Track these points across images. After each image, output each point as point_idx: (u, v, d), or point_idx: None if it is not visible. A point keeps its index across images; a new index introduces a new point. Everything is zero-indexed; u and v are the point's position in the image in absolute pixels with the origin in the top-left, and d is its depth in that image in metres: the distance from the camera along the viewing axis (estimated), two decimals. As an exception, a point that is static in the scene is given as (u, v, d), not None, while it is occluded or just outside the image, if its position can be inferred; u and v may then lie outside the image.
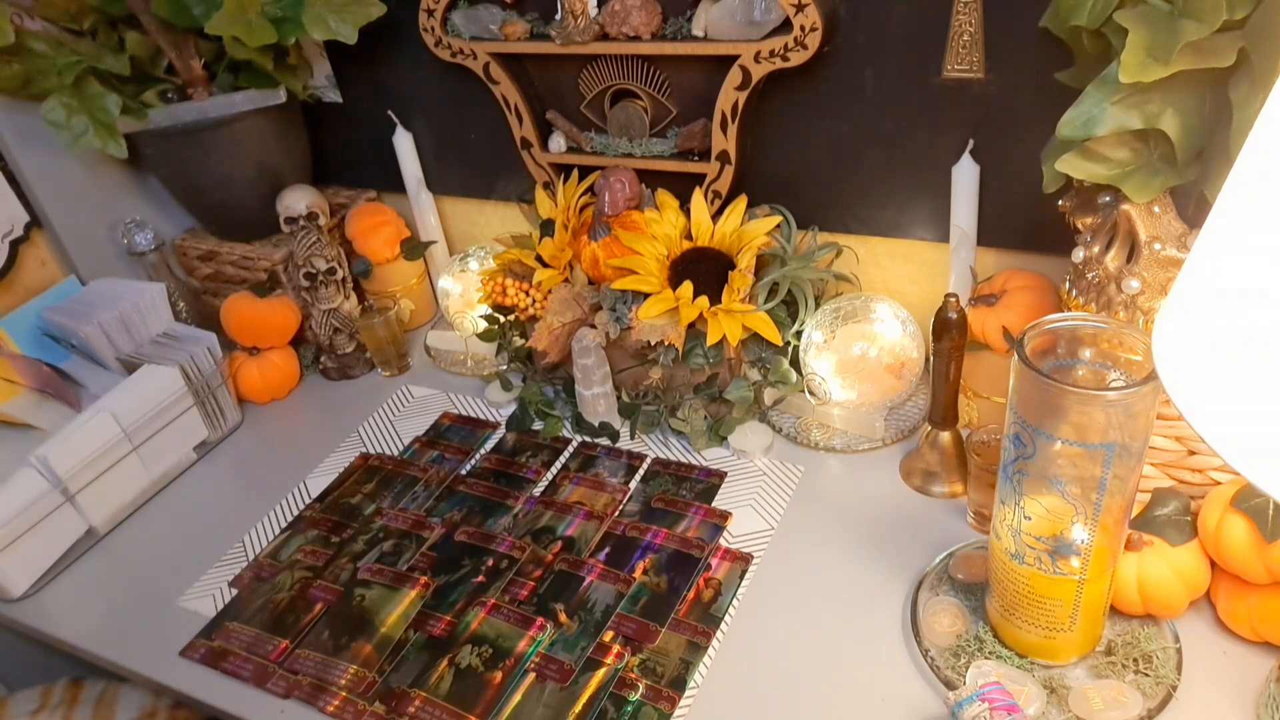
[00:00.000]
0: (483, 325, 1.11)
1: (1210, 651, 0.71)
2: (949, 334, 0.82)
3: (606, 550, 0.88)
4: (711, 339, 0.93)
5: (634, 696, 0.74)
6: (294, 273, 1.17)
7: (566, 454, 1.02)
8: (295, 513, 0.99)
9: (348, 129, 1.26)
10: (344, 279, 1.19)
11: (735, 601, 0.81)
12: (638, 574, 0.85)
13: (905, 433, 0.97)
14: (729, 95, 0.93)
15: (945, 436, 0.89)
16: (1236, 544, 0.67)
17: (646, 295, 0.96)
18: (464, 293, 1.16)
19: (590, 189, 1.06)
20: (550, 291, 1.04)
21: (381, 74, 1.18)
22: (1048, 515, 0.63)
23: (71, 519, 0.95)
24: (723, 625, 0.79)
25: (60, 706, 0.99)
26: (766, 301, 0.97)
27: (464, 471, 1.02)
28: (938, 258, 0.99)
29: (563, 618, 0.82)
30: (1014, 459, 0.62)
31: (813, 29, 0.85)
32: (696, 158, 1.02)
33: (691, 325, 0.96)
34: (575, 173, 1.10)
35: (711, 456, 0.99)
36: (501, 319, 1.10)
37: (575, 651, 0.78)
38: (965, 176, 0.90)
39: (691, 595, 0.82)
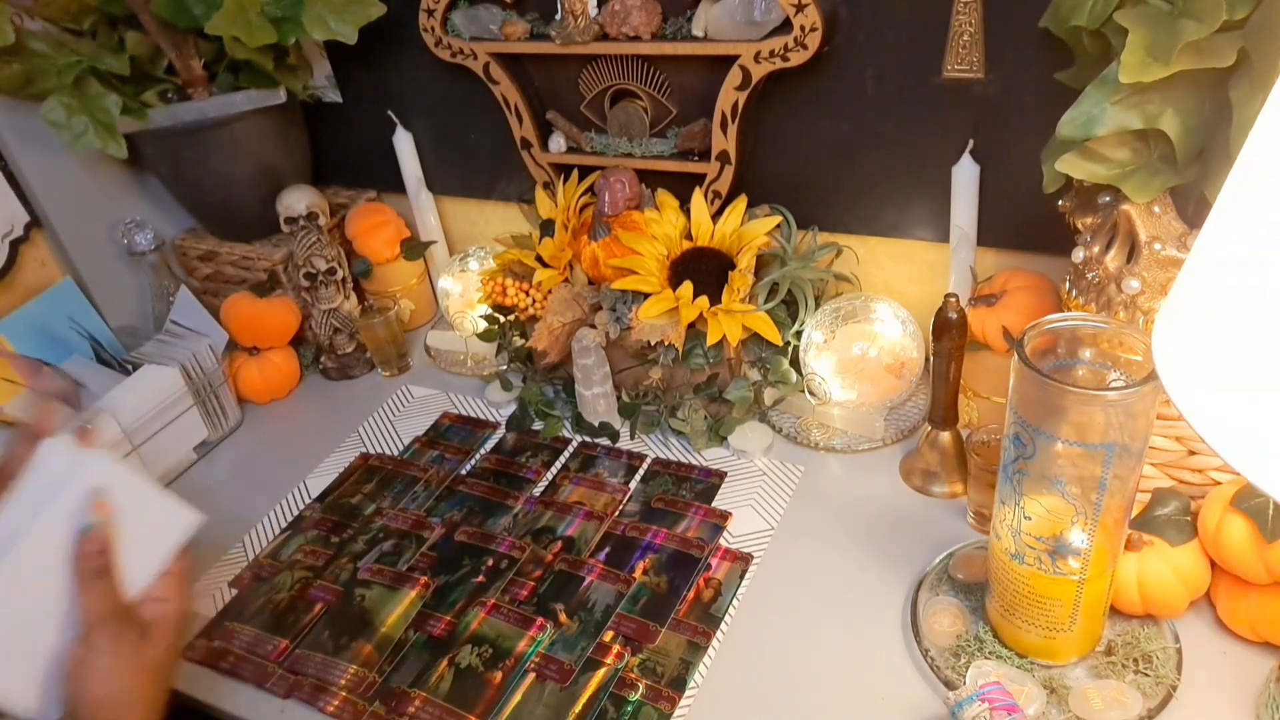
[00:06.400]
0: (483, 325, 1.11)
1: (1210, 651, 0.71)
2: (949, 334, 0.82)
3: (606, 550, 0.88)
4: (711, 339, 0.93)
5: (634, 696, 0.74)
6: (294, 273, 1.17)
7: (566, 454, 1.02)
8: (295, 513, 0.99)
9: (348, 129, 1.26)
10: (344, 279, 1.19)
11: (735, 601, 0.81)
12: (638, 574, 0.85)
13: (905, 433, 0.97)
14: (729, 95, 0.93)
15: (945, 436, 0.89)
16: (1236, 544, 0.67)
17: (646, 295, 0.96)
18: (464, 293, 1.16)
19: (590, 189, 1.06)
20: (550, 291, 1.04)
21: (381, 74, 1.18)
22: (1048, 515, 0.63)
23: (71, 519, 0.95)
24: (723, 625, 0.79)
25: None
26: (766, 301, 0.97)
27: (464, 471, 1.01)
28: (938, 258, 0.99)
29: (563, 618, 0.82)
30: (1014, 459, 0.62)
31: (813, 29, 0.85)
32: (696, 158, 1.02)
33: (691, 325, 0.96)
34: (575, 173, 1.10)
35: (711, 456, 0.99)
36: (501, 319, 1.10)
37: (575, 651, 0.78)
38: (965, 176, 0.90)
39: (691, 595, 0.82)
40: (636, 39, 0.95)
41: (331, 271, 1.17)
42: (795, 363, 0.98)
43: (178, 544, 0.66)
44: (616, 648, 0.78)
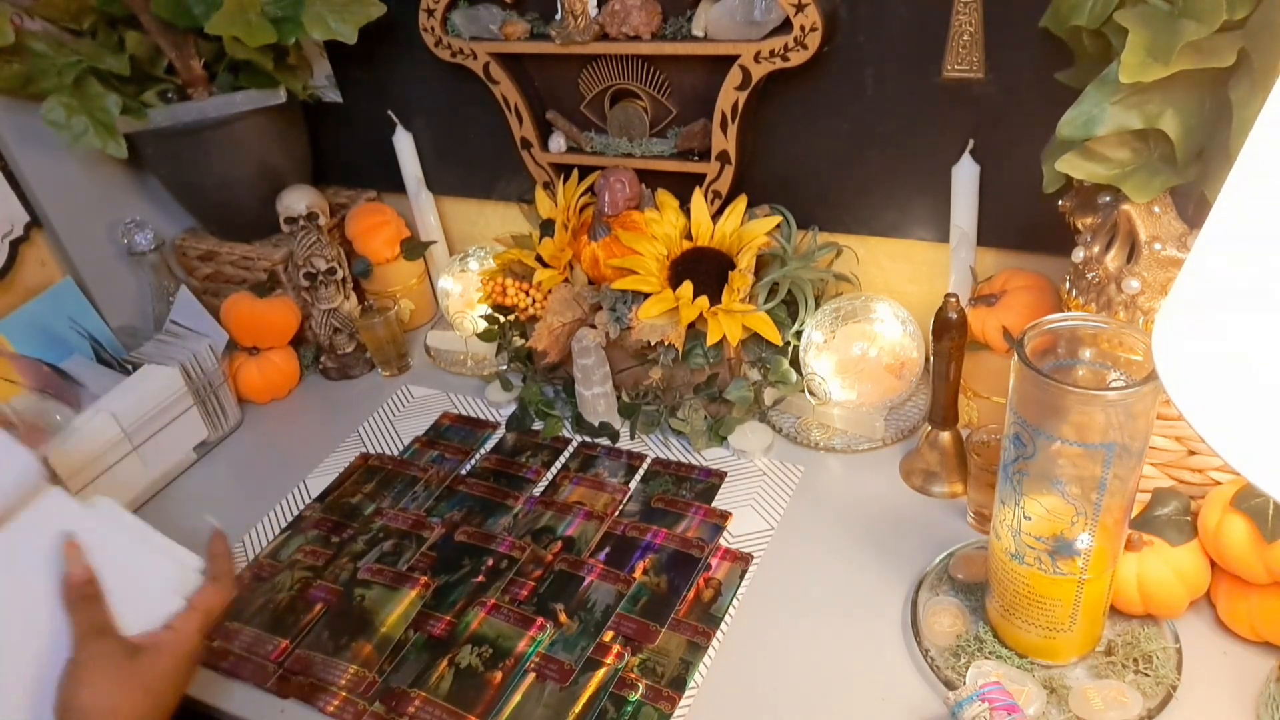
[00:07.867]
0: (483, 325, 1.11)
1: (1210, 651, 0.71)
2: (949, 334, 0.82)
3: (606, 550, 0.88)
4: (711, 339, 0.93)
5: (634, 696, 0.74)
6: (294, 273, 1.17)
7: (566, 454, 1.02)
8: (295, 513, 0.99)
9: (348, 129, 1.26)
10: (344, 279, 1.19)
11: (735, 601, 0.81)
12: (638, 574, 0.85)
13: (905, 433, 0.97)
14: (729, 95, 0.93)
15: (945, 436, 0.89)
16: (1236, 544, 0.67)
17: (646, 295, 0.96)
18: (464, 293, 1.16)
19: (590, 189, 1.06)
20: (550, 291, 1.04)
21: (381, 74, 1.18)
22: (1048, 515, 0.63)
23: (71, 519, 0.95)
24: (723, 625, 0.79)
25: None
26: (766, 301, 0.97)
27: (464, 471, 1.01)
28: (938, 258, 0.99)
29: (563, 618, 0.82)
30: (1014, 459, 0.62)
31: (813, 29, 0.85)
32: (696, 158, 1.02)
33: (691, 325, 0.96)
34: (575, 173, 1.10)
35: (711, 456, 0.99)
36: (501, 319, 1.10)
37: (575, 651, 0.78)
38: (965, 176, 0.90)
39: (691, 595, 0.82)
40: (636, 39, 0.95)
41: (331, 271, 1.17)
42: (795, 363, 0.98)
43: (180, 588, 0.72)
44: (616, 648, 0.78)
